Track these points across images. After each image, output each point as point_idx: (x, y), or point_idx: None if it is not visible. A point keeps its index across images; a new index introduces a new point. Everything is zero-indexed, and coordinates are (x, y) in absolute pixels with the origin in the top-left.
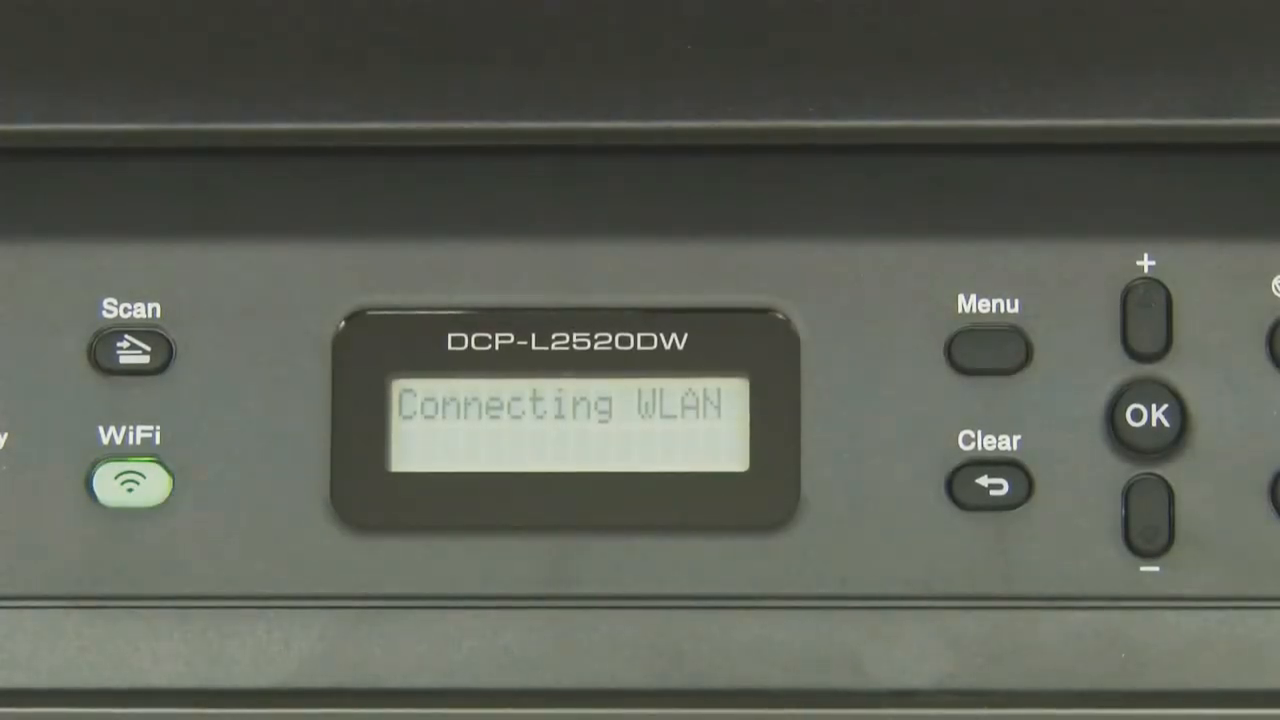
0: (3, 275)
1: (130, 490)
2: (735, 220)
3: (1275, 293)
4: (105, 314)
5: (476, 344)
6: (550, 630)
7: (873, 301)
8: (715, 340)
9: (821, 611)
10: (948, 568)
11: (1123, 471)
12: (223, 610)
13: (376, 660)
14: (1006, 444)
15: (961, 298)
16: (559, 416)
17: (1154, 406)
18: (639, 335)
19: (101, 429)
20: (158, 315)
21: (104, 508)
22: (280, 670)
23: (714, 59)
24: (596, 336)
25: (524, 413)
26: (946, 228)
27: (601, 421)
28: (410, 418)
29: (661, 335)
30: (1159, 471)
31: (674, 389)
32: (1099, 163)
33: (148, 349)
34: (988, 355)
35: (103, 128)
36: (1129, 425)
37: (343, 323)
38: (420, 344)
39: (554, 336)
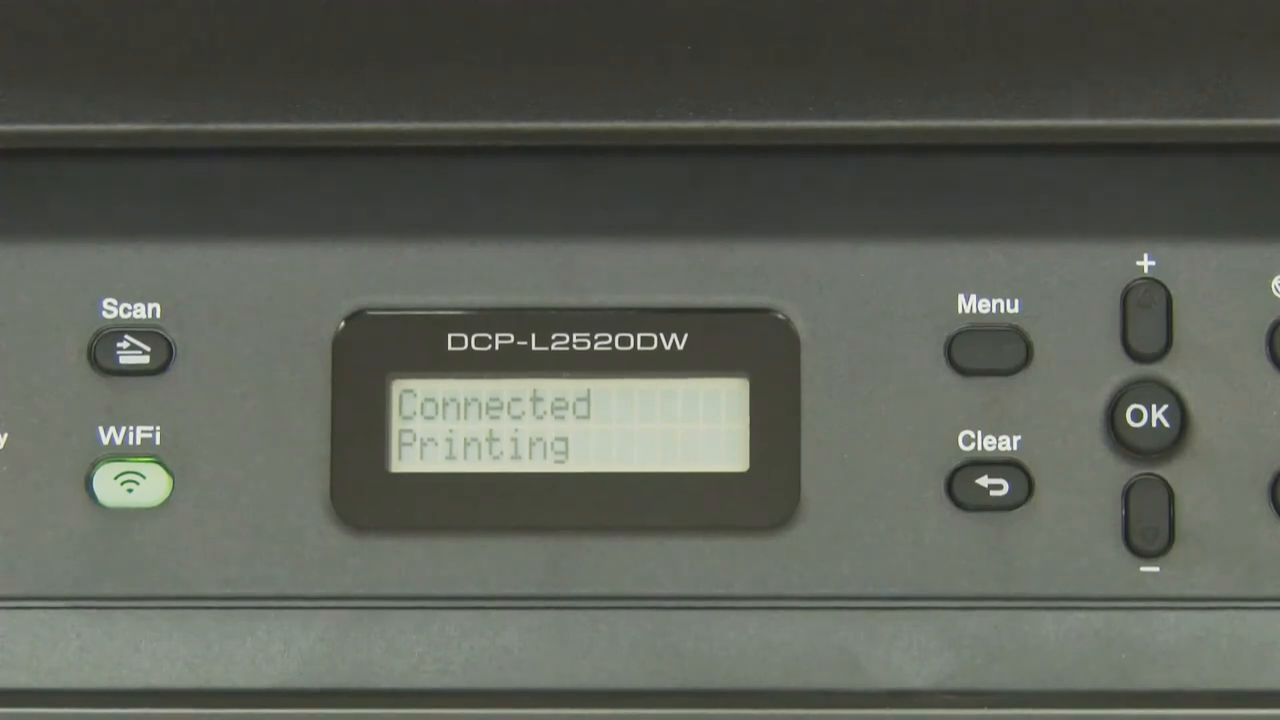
0: (3, 275)
1: (130, 490)
2: (735, 220)
3: (1275, 293)
4: (105, 314)
5: (476, 344)
6: (550, 630)
7: (873, 301)
8: (715, 340)
9: (821, 612)
10: (948, 568)
11: (1123, 472)
12: (223, 610)
13: (376, 660)
14: (1006, 444)
15: (961, 298)
16: (559, 417)
17: (1154, 407)
18: (639, 335)
19: (101, 429)
20: (158, 315)
21: (104, 508)
22: (280, 670)
23: (714, 59)
24: (596, 337)
25: (524, 413)
26: (946, 228)
27: (601, 422)
28: (410, 418)
29: (661, 335)
30: (1159, 472)
31: (674, 389)
32: (1099, 163)
33: (148, 349)
34: (988, 355)
35: (103, 128)
36: (1129, 425)
37: (343, 323)
38: (420, 344)
39: (554, 337)
